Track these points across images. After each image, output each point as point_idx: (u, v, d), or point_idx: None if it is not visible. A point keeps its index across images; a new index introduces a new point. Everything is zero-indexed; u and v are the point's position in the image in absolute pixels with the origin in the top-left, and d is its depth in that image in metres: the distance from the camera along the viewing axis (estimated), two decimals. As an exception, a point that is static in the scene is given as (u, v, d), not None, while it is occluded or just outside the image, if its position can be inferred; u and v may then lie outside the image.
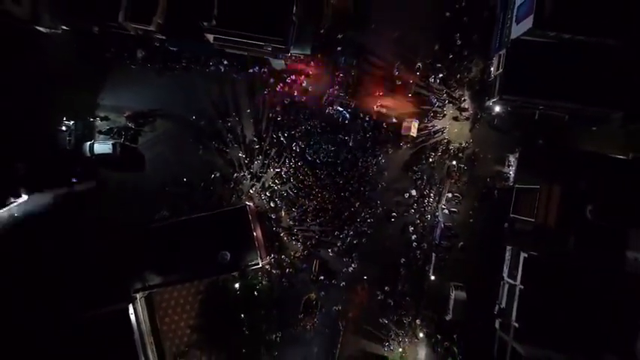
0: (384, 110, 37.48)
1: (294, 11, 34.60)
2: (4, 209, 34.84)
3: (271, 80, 37.84)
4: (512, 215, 34.92)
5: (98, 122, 37.77)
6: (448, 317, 35.56)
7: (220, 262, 34.42)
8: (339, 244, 37.07)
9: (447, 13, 37.33)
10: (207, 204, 36.78)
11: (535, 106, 34.57)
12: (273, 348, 36.20)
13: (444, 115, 37.60)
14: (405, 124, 36.59)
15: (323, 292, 36.77)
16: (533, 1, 30.83)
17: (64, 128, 36.65)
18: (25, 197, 35.62)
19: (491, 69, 36.39)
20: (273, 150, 37.72)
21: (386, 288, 36.34)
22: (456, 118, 37.57)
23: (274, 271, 37.10)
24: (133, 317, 33.34)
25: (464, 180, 37.01)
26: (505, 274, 34.52)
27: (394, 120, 37.26)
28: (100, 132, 37.71)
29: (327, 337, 36.54)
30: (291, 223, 37.61)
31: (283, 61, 37.66)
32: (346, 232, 37.07)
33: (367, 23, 37.77)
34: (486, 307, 35.11)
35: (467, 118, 37.46)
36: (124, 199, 36.62)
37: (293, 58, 37.35)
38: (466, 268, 36.11)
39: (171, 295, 35.28)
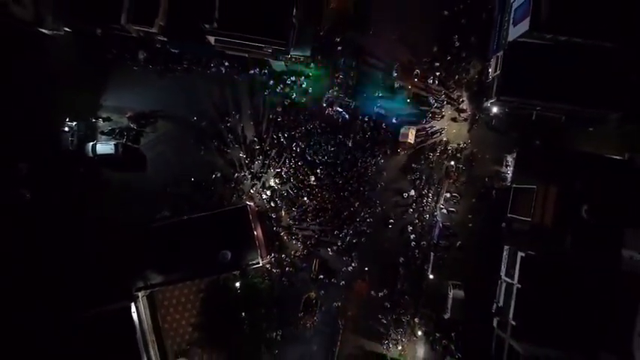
0: (383, 111, 37.85)
1: (294, 13, 34.97)
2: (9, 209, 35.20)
3: (271, 82, 38.19)
4: (509, 215, 35.20)
5: (100, 123, 38.14)
6: (446, 316, 35.91)
7: (221, 261, 34.80)
8: (338, 244, 37.41)
9: (446, 12, 37.66)
10: (208, 204, 37.11)
11: (532, 107, 34.99)
12: (274, 346, 36.54)
13: (443, 116, 37.94)
14: (402, 130, 36.82)
15: (323, 291, 37.11)
16: (530, 4, 31.32)
17: (66, 129, 36.98)
18: (28, 197, 36.05)
19: (489, 70, 36.76)
20: (274, 150, 38.09)
21: (384, 291, 36.65)
22: (454, 119, 37.94)
23: (274, 270, 37.44)
24: (135, 315, 33.73)
25: (462, 180, 37.35)
26: (503, 273, 34.84)
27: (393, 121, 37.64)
28: (103, 133, 38.07)
29: (327, 336, 36.85)
30: (291, 222, 37.96)
31: (283, 63, 38.02)
32: (346, 231, 37.43)
33: (367, 25, 38.11)
34: (484, 306, 35.45)
35: (465, 119, 37.81)
36: (126, 198, 36.95)
37: (293, 59, 37.68)
38: (464, 267, 36.44)
39: (172, 294, 35.65)
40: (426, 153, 37.71)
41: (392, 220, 37.35)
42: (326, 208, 37.75)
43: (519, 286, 32.12)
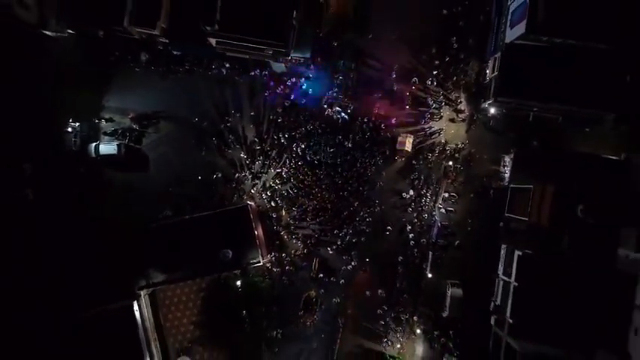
0: (382, 112, 38.19)
1: (294, 16, 35.36)
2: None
3: (272, 83, 38.59)
4: (507, 214, 35.30)
5: (103, 124, 38.47)
6: (445, 314, 36.25)
7: (222, 260, 35.10)
8: (338, 243, 37.76)
9: (444, 11, 37.94)
10: (209, 203, 37.43)
11: (529, 108, 35.29)
12: (274, 344, 36.88)
13: (441, 117, 38.26)
14: (400, 138, 37.08)
15: (322, 290, 37.44)
16: (526, 7, 31.66)
17: (69, 130, 37.34)
18: (30, 197, 36.45)
19: (487, 72, 37.09)
20: (274, 151, 38.47)
21: (384, 290, 36.99)
22: (452, 120, 38.23)
23: (275, 269, 37.78)
24: (137, 314, 33.99)
25: (460, 180, 37.65)
26: (500, 272, 35.14)
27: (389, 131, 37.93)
28: (105, 133, 38.42)
29: (327, 334, 37.17)
30: (291, 222, 38.29)
31: (284, 64, 38.40)
32: (345, 230, 37.80)
33: (366, 28, 38.41)
34: (482, 304, 35.74)
35: (463, 120, 38.13)
36: (129, 198, 37.28)
37: (293, 61, 38.07)
38: (462, 266, 36.75)
39: (174, 293, 35.91)
40: (424, 153, 38.02)
41: (390, 227, 37.59)
42: (326, 208, 38.11)
43: (516, 284, 32.38)
